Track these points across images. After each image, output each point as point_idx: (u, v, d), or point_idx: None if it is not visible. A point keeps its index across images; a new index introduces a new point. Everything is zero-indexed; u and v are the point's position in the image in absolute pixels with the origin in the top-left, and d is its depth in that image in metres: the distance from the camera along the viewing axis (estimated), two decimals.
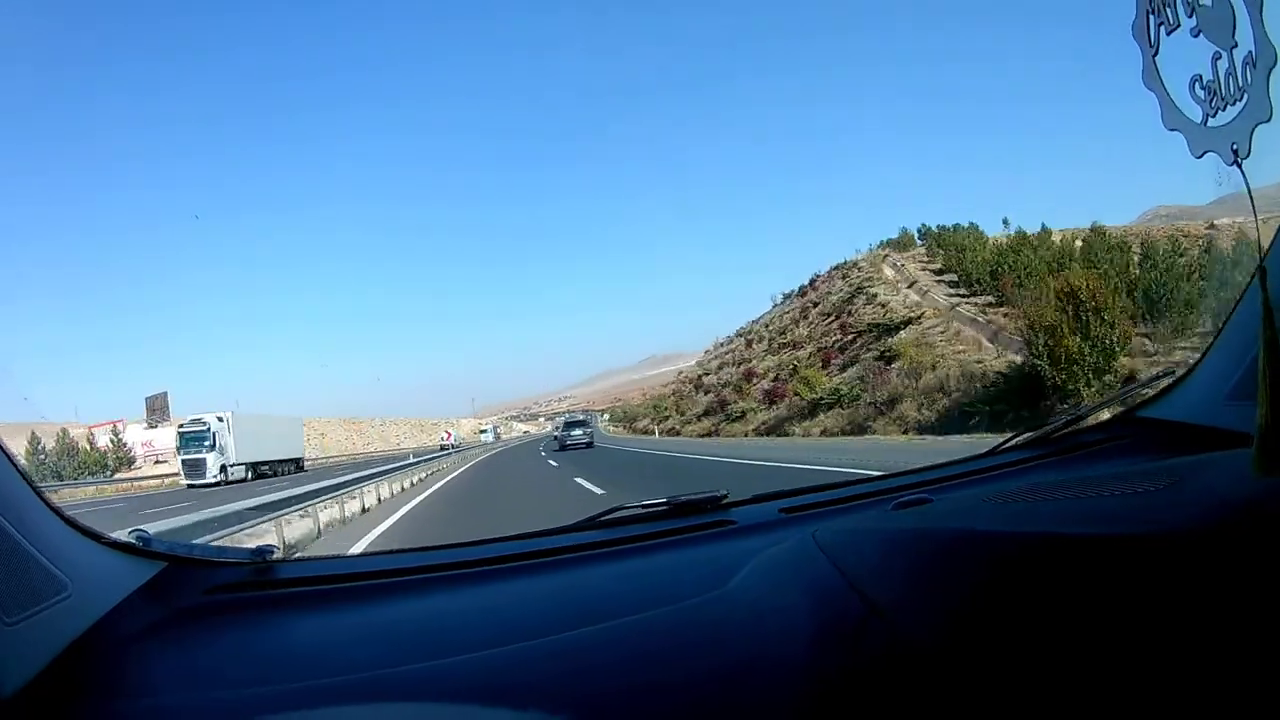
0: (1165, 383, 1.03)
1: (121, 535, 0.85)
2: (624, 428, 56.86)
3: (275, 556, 0.95)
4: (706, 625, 0.67)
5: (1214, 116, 0.61)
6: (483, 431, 66.68)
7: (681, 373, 55.65)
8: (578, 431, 25.10)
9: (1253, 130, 0.58)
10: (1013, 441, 1.22)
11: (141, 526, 0.95)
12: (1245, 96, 0.58)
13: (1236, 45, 0.58)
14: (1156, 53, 0.64)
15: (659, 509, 1.10)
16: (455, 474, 17.15)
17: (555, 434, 50.08)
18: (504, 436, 73.47)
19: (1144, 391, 1.08)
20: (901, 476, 1.19)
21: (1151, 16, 0.64)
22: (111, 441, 38.67)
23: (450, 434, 52.14)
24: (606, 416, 71.61)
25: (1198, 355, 0.96)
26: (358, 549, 5.99)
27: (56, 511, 0.76)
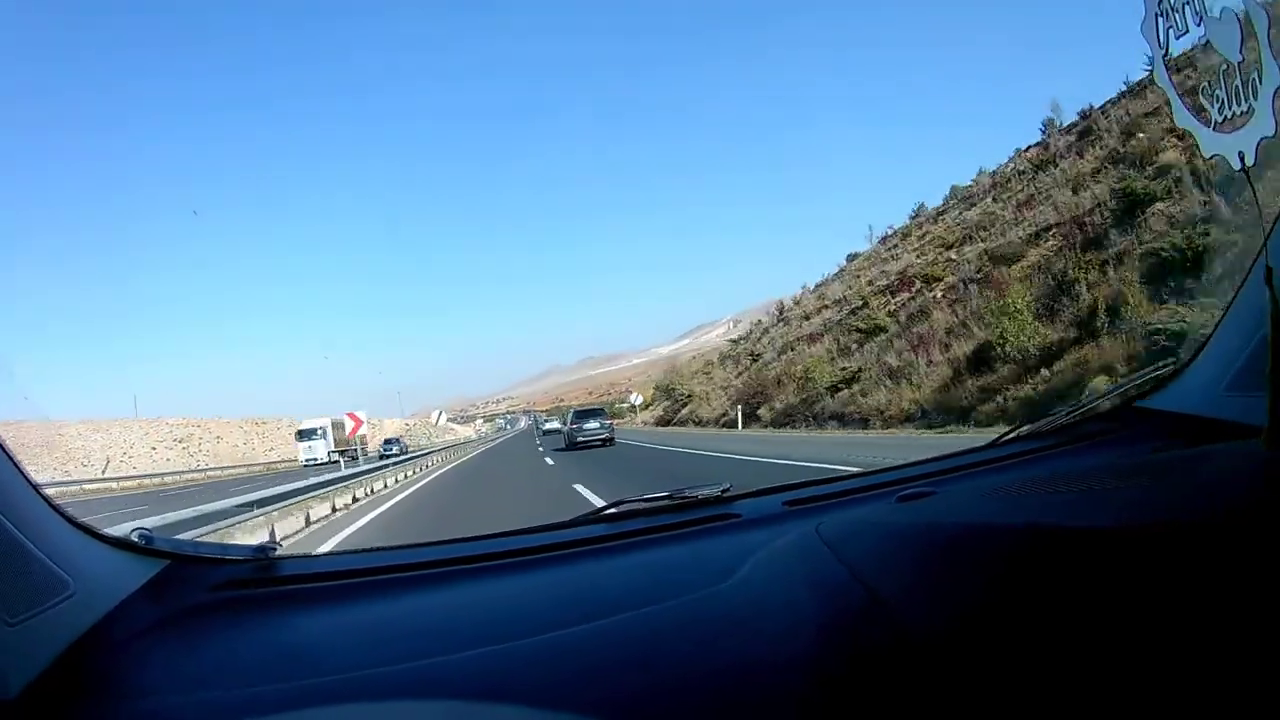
0: (1165, 373, 1.09)
1: (124, 533, 0.87)
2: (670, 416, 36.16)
3: (277, 553, 0.97)
4: (711, 620, 0.69)
5: (1222, 123, 0.64)
6: (306, 435, 34.42)
7: (766, 314, 35.25)
8: (592, 424, 19.90)
9: (1259, 143, 0.61)
10: (1013, 433, 1.27)
11: (143, 524, 0.96)
12: (1251, 109, 0.61)
13: (1244, 61, 0.60)
14: (1166, 54, 0.66)
15: (662, 503, 1.13)
16: None
17: (545, 429, 44.27)
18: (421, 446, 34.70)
19: (1143, 382, 1.14)
20: (904, 469, 1.23)
21: (1160, 20, 0.66)
22: None
23: None
24: (637, 399, 49.07)
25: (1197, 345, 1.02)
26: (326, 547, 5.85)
27: (58, 510, 0.78)
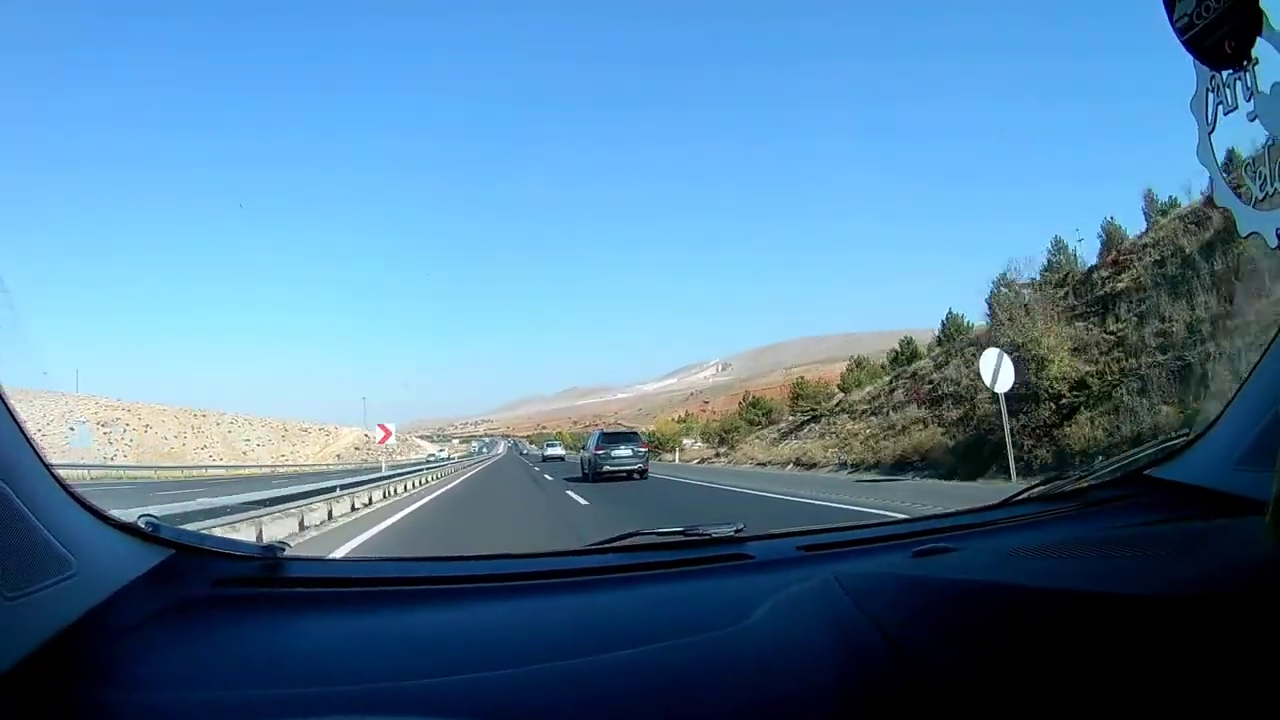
0: (1177, 444, 1.14)
1: (130, 518, 0.87)
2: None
3: (286, 553, 0.97)
4: (729, 659, 0.70)
5: (1263, 200, 0.66)
6: None
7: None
8: (623, 450, 15.65)
9: None
10: (1027, 494, 1.32)
11: (150, 511, 0.95)
12: None
13: None
14: (1213, 130, 0.69)
15: (675, 538, 1.15)
16: None
17: (547, 454, 37.91)
18: None
19: (1155, 452, 1.19)
20: (920, 522, 1.27)
21: (1210, 94, 0.69)
22: None
23: None
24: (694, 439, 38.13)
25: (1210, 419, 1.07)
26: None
27: (66, 489, 0.78)
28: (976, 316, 19.50)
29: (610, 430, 18.74)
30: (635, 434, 17.60)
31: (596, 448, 16.02)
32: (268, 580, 0.92)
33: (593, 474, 15.65)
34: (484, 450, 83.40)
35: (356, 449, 70.85)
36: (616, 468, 15.43)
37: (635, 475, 15.47)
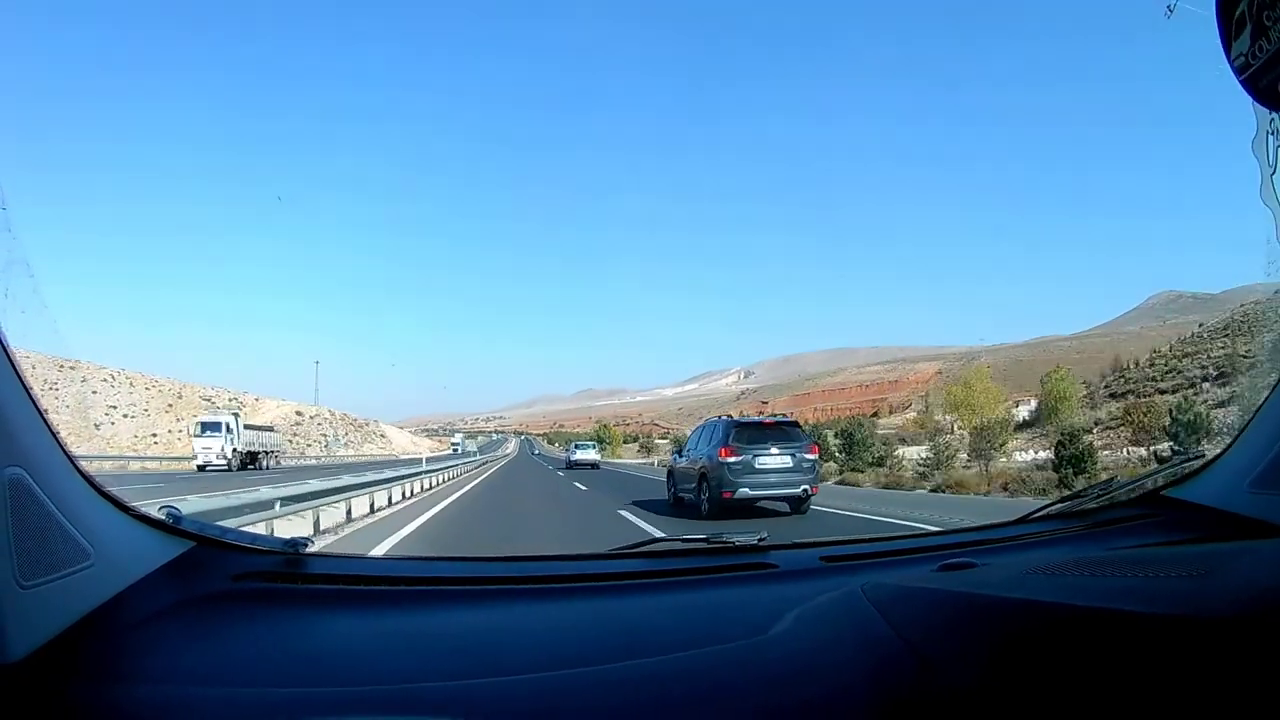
0: (1193, 466, 1.18)
1: (152, 510, 0.88)
2: None
3: (309, 549, 0.99)
4: (755, 669, 0.71)
5: None
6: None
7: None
8: (776, 456, 8.75)
9: None
10: (1047, 510, 1.36)
11: (172, 502, 0.98)
12: None
13: None
14: (1274, 171, 0.72)
15: (699, 545, 1.18)
16: None
17: (575, 458, 30.45)
18: None
19: (1171, 472, 1.22)
20: (943, 536, 1.31)
21: (1270, 137, 0.71)
22: None
23: None
24: None
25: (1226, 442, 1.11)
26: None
27: (87, 478, 0.78)
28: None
29: (750, 420, 10.09)
30: (794, 426, 9.72)
31: (723, 450, 8.77)
32: (289, 576, 0.94)
33: (712, 502, 8.78)
34: (477, 452, 54.89)
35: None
36: (763, 491, 8.73)
37: (790, 507, 9.13)
